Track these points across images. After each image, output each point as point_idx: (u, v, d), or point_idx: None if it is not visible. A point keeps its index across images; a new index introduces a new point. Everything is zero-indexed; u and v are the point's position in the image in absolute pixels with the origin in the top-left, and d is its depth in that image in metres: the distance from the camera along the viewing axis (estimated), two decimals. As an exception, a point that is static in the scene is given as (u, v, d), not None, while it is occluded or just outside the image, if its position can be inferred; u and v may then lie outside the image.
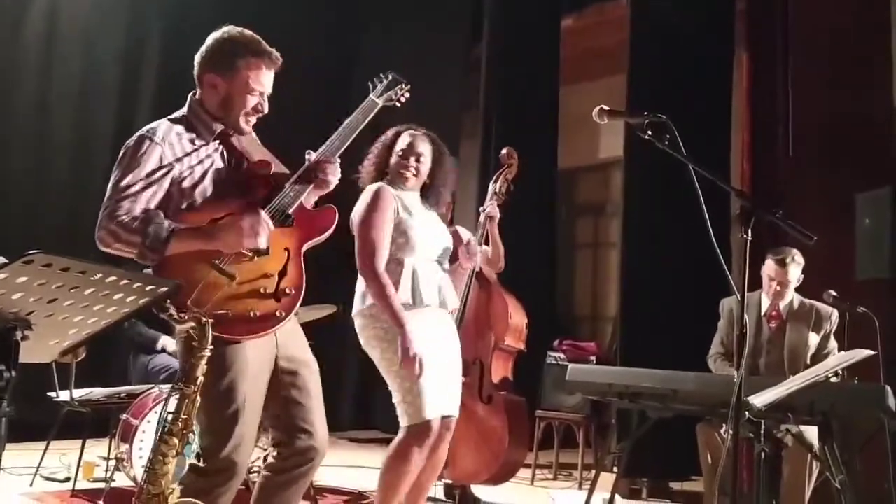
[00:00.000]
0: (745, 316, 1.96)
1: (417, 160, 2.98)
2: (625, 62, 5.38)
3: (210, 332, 1.80)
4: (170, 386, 3.56)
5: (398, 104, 2.57)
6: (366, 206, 2.90)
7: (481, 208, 3.97)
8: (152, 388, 3.71)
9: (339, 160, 2.32)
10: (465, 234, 4.33)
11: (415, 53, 6.56)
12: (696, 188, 2.08)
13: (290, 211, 2.18)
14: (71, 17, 5.80)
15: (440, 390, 2.85)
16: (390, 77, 2.56)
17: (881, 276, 4.15)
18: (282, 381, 2.22)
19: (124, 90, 5.97)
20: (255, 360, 2.13)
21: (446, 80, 6.43)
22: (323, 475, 4.39)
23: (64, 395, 3.87)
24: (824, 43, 4.90)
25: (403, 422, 2.84)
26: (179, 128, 2.20)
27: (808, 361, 3.67)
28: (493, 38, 6.37)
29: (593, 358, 5.17)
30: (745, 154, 5.09)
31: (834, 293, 3.72)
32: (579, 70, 6.60)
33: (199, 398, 1.81)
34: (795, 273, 3.70)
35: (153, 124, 2.19)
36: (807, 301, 3.77)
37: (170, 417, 1.75)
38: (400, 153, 2.99)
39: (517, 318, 3.95)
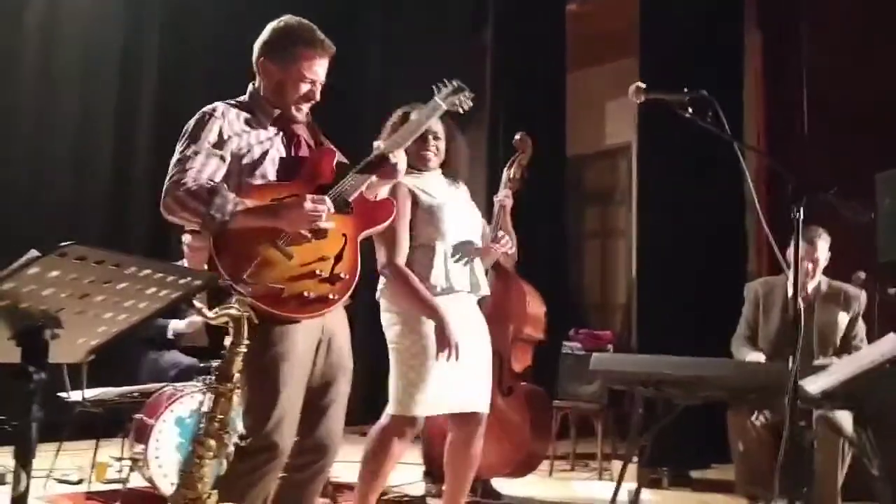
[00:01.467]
0: (797, 300, 1.87)
1: (435, 138, 2.90)
2: (631, 46, 5.31)
3: (246, 326, 1.71)
4: (183, 384, 3.52)
5: (461, 111, 2.60)
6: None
7: (495, 197, 3.89)
8: (165, 386, 3.63)
9: (404, 155, 2.36)
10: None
11: (419, 39, 6.47)
12: (742, 167, 1.97)
13: (350, 199, 2.23)
14: (70, 9, 5.71)
15: (449, 387, 2.74)
16: (455, 84, 2.58)
17: (902, 257, 4.07)
18: (315, 372, 2.21)
19: (124, 84, 5.87)
20: (302, 342, 2.13)
21: (451, 65, 6.32)
22: (340, 472, 4.31)
23: (76, 395, 3.78)
24: (838, 21, 4.82)
25: (391, 408, 2.77)
26: (237, 109, 2.26)
27: (839, 343, 3.61)
28: (498, 23, 6.28)
29: (610, 347, 5.09)
30: (761, 136, 5.02)
31: (863, 275, 3.65)
32: (585, 55, 6.50)
33: (235, 396, 1.73)
34: (824, 249, 3.63)
35: (213, 104, 2.26)
36: (835, 283, 3.71)
37: (205, 418, 1.66)
38: (434, 134, 2.90)
39: (535, 307, 3.87)
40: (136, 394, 3.77)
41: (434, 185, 2.90)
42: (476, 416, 2.86)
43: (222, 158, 2.16)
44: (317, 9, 7.04)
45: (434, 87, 2.55)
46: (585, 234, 7.55)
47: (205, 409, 1.68)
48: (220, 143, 2.16)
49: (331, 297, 2.14)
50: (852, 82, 4.68)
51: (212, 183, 2.10)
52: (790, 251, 3.67)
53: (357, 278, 2.21)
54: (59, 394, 3.81)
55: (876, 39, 4.61)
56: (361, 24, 7.10)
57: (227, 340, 1.72)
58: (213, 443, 1.64)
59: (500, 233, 3.06)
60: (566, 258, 6.52)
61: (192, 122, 2.22)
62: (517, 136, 3.85)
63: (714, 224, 4.96)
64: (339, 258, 2.18)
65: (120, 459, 3.78)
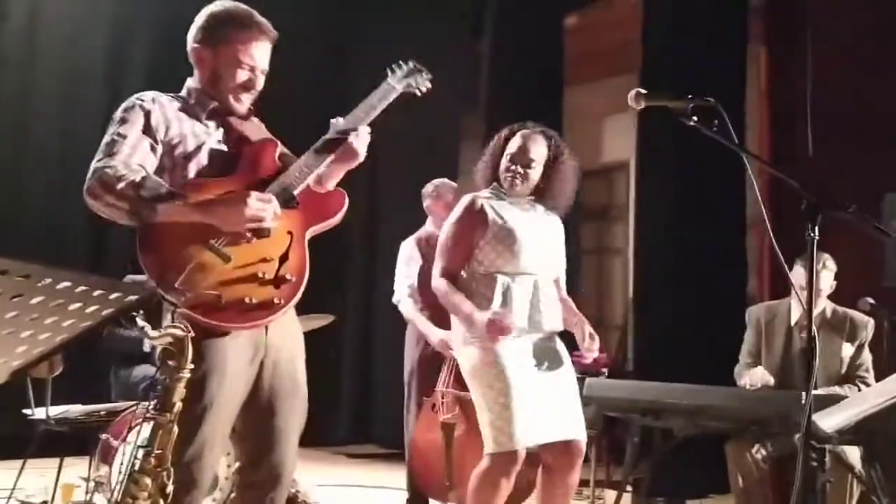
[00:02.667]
0: (811, 326, 1.70)
1: (526, 167, 2.72)
2: (629, 62, 5.22)
3: (190, 348, 1.53)
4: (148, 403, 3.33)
5: (418, 92, 2.39)
6: (453, 215, 2.79)
7: None
8: (135, 405, 3.44)
9: (368, 131, 2.17)
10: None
11: (414, 50, 6.33)
12: (751, 180, 1.80)
13: (296, 192, 2.03)
14: (55, 11, 5.59)
15: (544, 415, 2.60)
16: (411, 65, 2.38)
17: (910, 282, 3.92)
18: (261, 393, 1.99)
19: (110, 85, 5.74)
20: (235, 357, 1.91)
21: (447, 78, 6.21)
22: (319, 495, 4.13)
23: (40, 413, 3.60)
24: (846, 37, 4.69)
25: (489, 447, 2.59)
26: (170, 97, 2.09)
27: (843, 373, 3.43)
28: (495, 36, 6.17)
29: (605, 370, 4.91)
30: (764, 154, 4.87)
31: (871, 301, 3.47)
32: (584, 70, 6.39)
33: (176, 428, 1.54)
34: (828, 279, 3.44)
35: (144, 92, 2.08)
36: (840, 309, 3.52)
37: (141, 452, 1.47)
38: (508, 157, 2.74)
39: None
40: (102, 412, 3.58)
41: (514, 210, 2.75)
42: (573, 445, 2.68)
43: (152, 145, 1.98)
44: (312, 16, 6.99)
45: (388, 69, 2.36)
46: (581, 252, 7.40)
47: (140, 441, 1.48)
48: (148, 129, 1.99)
49: (276, 301, 1.93)
50: (857, 99, 4.55)
51: (142, 168, 1.93)
52: (793, 273, 3.53)
53: (306, 279, 1.99)
54: (23, 410, 3.65)
55: (882, 55, 4.48)
56: (358, 32, 7.02)
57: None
58: (148, 481, 1.44)
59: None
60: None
61: (120, 109, 2.04)
62: None
63: (714, 244, 4.83)
64: (284, 258, 1.97)
65: (87, 480, 3.60)
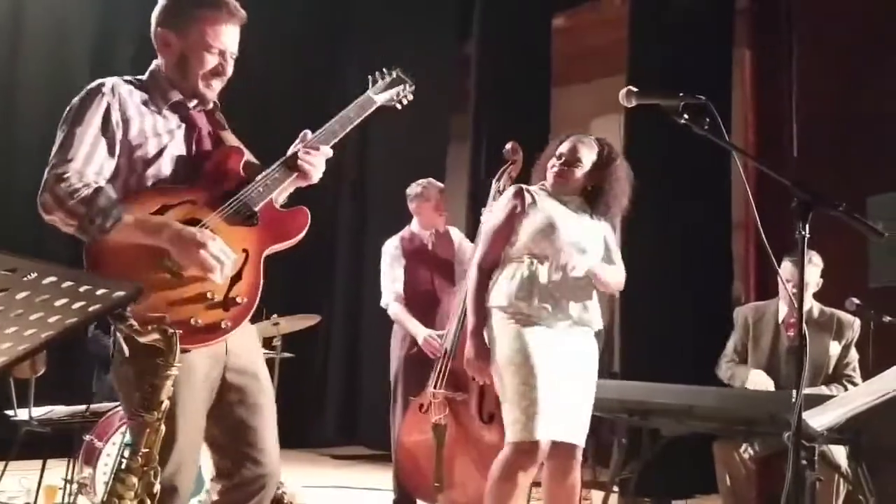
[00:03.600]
0: (802, 325, 1.70)
1: (571, 165, 2.75)
2: (617, 64, 5.21)
3: (178, 344, 1.50)
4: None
5: (399, 105, 2.28)
6: (499, 204, 2.85)
7: (482, 217, 3.71)
8: (118, 406, 3.40)
9: (329, 152, 2.04)
10: (458, 236, 4.10)
11: (403, 50, 6.34)
12: (737, 180, 1.79)
13: (257, 208, 1.91)
14: (37, 18, 5.54)
15: (560, 412, 2.58)
16: (394, 75, 2.26)
17: (895, 283, 3.94)
18: (228, 400, 1.92)
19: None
20: (197, 371, 1.84)
21: (435, 78, 6.21)
22: (305, 497, 4.10)
23: (22, 414, 3.56)
24: (831, 40, 4.72)
25: (511, 436, 2.57)
26: (131, 87, 1.93)
27: (830, 372, 3.45)
28: (482, 37, 6.16)
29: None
30: (751, 154, 4.89)
31: (857, 301, 3.49)
32: (571, 71, 6.39)
33: (163, 427, 1.51)
34: (815, 274, 3.47)
35: (101, 79, 1.92)
36: (827, 309, 3.55)
37: (127, 451, 1.45)
38: (557, 155, 2.79)
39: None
40: (87, 413, 3.54)
41: (556, 205, 2.76)
42: (573, 449, 2.67)
43: (110, 146, 1.84)
44: (300, 19, 6.97)
45: (369, 76, 2.24)
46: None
47: (127, 439, 1.46)
48: (107, 128, 1.85)
49: (223, 325, 1.81)
50: (841, 102, 4.58)
51: (97, 182, 1.80)
52: (781, 270, 3.55)
53: (256, 303, 1.88)
54: (5, 411, 3.60)
55: (866, 58, 4.51)
56: (345, 35, 7.00)
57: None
58: (134, 480, 1.42)
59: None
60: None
61: (76, 100, 1.88)
62: (508, 146, 3.67)
63: (699, 245, 4.84)
64: (236, 279, 1.84)
65: (69, 482, 3.55)
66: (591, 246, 2.78)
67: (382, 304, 3.94)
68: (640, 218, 4.95)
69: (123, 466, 1.44)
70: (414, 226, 4.03)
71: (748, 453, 3.30)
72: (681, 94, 1.88)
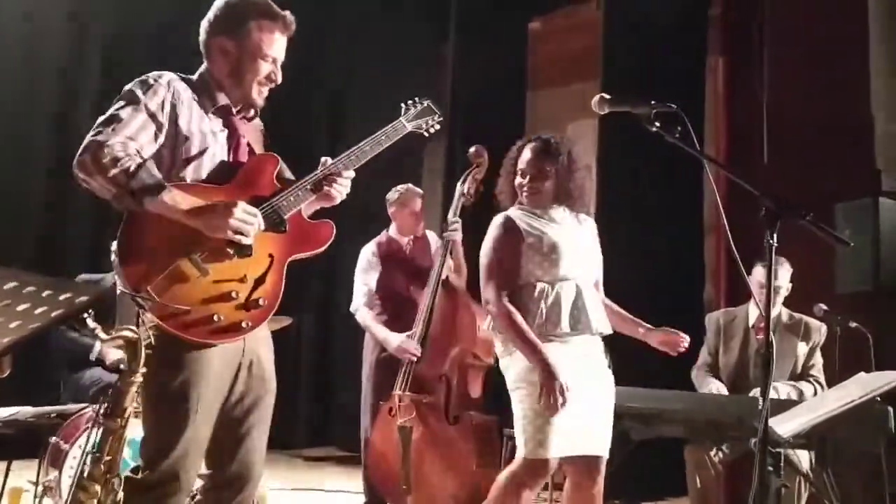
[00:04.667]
0: (769, 331, 1.72)
1: (534, 179, 2.70)
2: (593, 68, 5.25)
3: (143, 353, 1.49)
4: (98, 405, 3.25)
5: (426, 134, 2.42)
6: (490, 238, 2.72)
7: (444, 233, 3.71)
8: (85, 408, 3.36)
9: (352, 175, 2.17)
10: (435, 240, 4.09)
11: (379, 52, 6.34)
12: (709, 187, 1.81)
13: (287, 216, 2.02)
14: (6, 21, 5.46)
15: (576, 427, 2.54)
16: (425, 104, 2.41)
17: (862, 288, 4.01)
18: (233, 395, 1.97)
19: (64, 99, 5.65)
20: (216, 363, 1.89)
21: (411, 80, 6.22)
22: (278, 500, 4.08)
23: (-13, 415, 3.49)
24: (801, 50, 4.79)
25: (522, 452, 2.54)
26: (185, 84, 2.02)
27: (798, 371, 3.52)
28: (459, 40, 6.17)
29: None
30: (721, 162, 4.95)
31: (824, 307, 3.56)
32: (547, 75, 6.42)
33: (126, 434, 1.50)
34: (785, 277, 3.53)
35: (160, 72, 2.00)
36: (795, 314, 3.62)
37: (89, 458, 1.43)
38: (520, 171, 2.73)
39: (486, 329, 3.69)
40: (52, 415, 3.48)
41: (544, 220, 2.72)
42: (598, 461, 2.64)
43: (158, 130, 1.91)
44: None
45: (402, 104, 2.38)
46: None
47: (90, 447, 1.44)
48: (157, 115, 1.92)
49: (244, 325, 1.90)
50: (812, 110, 4.64)
51: (140, 154, 1.86)
52: (751, 278, 3.60)
53: (276, 305, 1.98)
54: (-32, 412, 3.54)
55: (836, 67, 4.58)
56: (323, 35, 6.97)
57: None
58: (97, 488, 1.40)
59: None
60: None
61: (135, 82, 1.96)
62: (472, 149, 3.69)
63: (672, 249, 4.89)
64: (260, 281, 1.94)
65: (36, 485, 3.50)
66: (592, 250, 2.77)
67: (352, 309, 3.91)
68: (612, 223, 5.03)
69: (86, 474, 1.42)
70: (392, 230, 4.01)
71: (717, 456, 3.34)
72: (653, 102, 1.90)
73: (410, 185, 4.05)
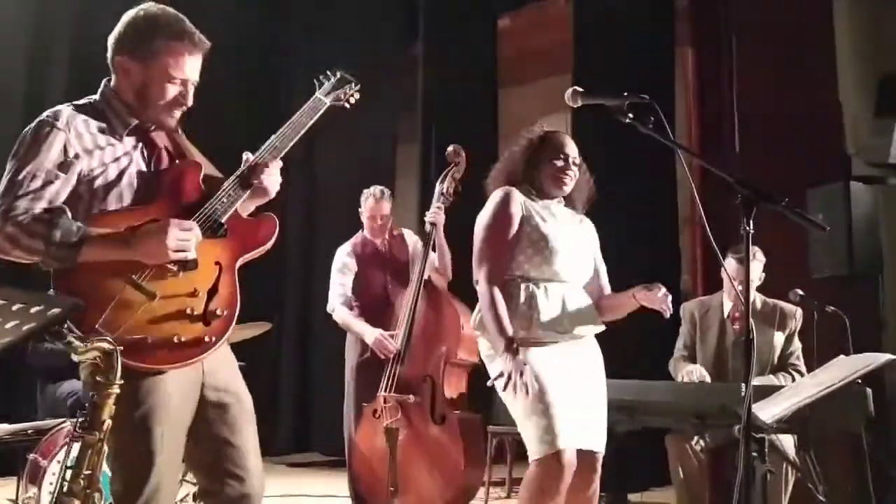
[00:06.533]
0: (749, 320, 1.73)
1: (575, 164, 2.60)
2: (563, 63, 5.27)
3: (119, 362, 1.46)
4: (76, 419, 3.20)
5: (347, 105, 2.30)
6: (488, 211, 2.57)
7: (426, 216, 3.72)
8: (63, 422, 3.31)
9: (280, 164, 2.03)
10: (412, 238, 4.08)
11: (348, 53, 6.30)
12: (681, 178, 1.82)
13: (223, 220, 1.90)
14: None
15: (575, 419, 2.45)
16: (338, 75, 2.29)
17: (836, 273, 4.05)
18: (208, 418, 1.89)
19: (29, 101, 5.53)
20: (176, 391, 1.81)
21: (382, 80, 6.20)
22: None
23: (-38, 434, 3.43)
24: (769, 38, 4.83)
25: (534, 453, 2.44)
26: (86, 116, 1.88)
27: (776, 362, 3.53)
28: (428, 39, 6.16)
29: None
30: (694, 151, 4.98)
31: (801, 292, 3.58)
32: (518, 72, 6.43)
33: (105, 447, 1.46)
34: (758, 269, 3.54)
35: (54, 109, 1.87)
36: (770, 301, 3.63)
37: (69, 473, 1.40)
38: (561, 156, 2.59)
39: (470, 328, 3.68)
40: (29, 431, 3.42)
41: (549, 212, 2.60)
42: (594, 457, 2.54)
43: (65, 181, 1.79)
44: (242, 21, 6.87)
45: (315, 80, 2.27)
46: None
47: (69, 462, 1.40)
48: (63, 164, 1.79)
49: (206, 339, 1.80)
50: (782, 98, 4.68)
51: (49, 212, 1.74)
52: (725, 265, 3.62)
53: (237, 313, 1.86)
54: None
55: (805, 55, 4.62)
56: (288, 36, 6.93)
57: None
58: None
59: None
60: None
61: (27, 133, 1.82)
62: (450, 149, 3.68)
63: (648, 242, 4.91)
64: (213, 292, 1.84)
65: (15, 502, 3.43)
66: (589, 252, 2.68)
67: (328, 309, 3.90)
68: (587, 216, 5.07)
69: (65, 489, 1.39)
70: (366, 231, 4.02)
71: (699, 445, 3.36)
72: (625, 94, 1.90)
73: (378, 187, 4.02)
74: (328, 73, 2.30)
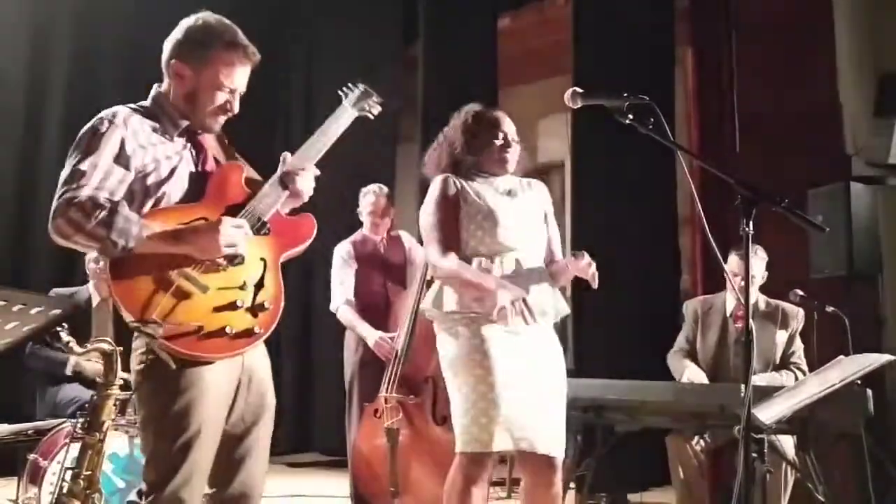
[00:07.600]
0: (749, 319, 1.73)
1: (515, 141, 2.62)
2: (563, 64, 5.27)
3: (119, 364, 1.46)
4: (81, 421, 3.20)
5: (371, 115, 2.39)
6: (427, 200, 2.58)
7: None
8: (63, 423, 3.31)
9: (315, 170, 2.15)
10: (409, 240, 4.09)
11: (348, 52, 6.31)
12: (687, 179, 1.83)
13: (266, 218, 2.03)
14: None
15: (523, 418, 2.34)
16: (362, 88, 2.38)
17: (836, 273, 4.05)
18: (234, 415, 1.96)
19: (28, 113, 5.55)
20: (217, 383, 1.88)
21: (382, 80, 6.20)
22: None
23: (-38, 435, 3.43)
24: (769, 38, 4.83)
25: (461, 446, 2.36)
26: (140, 117, 1.99)
27: (778, 360, 3.54)
28: (428, 39, 6.15)
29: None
30: (693, 152, 4.98)
31: (801, 292, 3.59)
32: (517, 72, 6.43)
33: (104, 449, 1.47)
34: (760, 267, 3.56)
35: (112, 108, 1.97)
36: (772, 301, 3.65)
37: (69, 474, 1.40)
38: (500, 134, 2.60)
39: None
40: (30, 431, 3.43)
41: (491, 189, 2.58)
42: (552, 461, 2.42)
43: (124, 170, 1.90)
44: (241, 17, 6.83)
45: (341, 91, 2.35)
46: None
47: (68, 463, 1.40)
48: (121, 157, 1.90)
49: (256, 330, 1.92)
50: (782, 98, 4.68)
51: (111, 202, 1.84)
52: (728, 263, 3.63)
53: (282, 307, 1.98)
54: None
55: (805, 55, 4.62)
56: (288, 35, 6.92)
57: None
58: (77, 504, 1.38)
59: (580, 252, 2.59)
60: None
61: (86, 129, 1.93)
62: None
63: (648, 242, 4.91)
64: (259, 286, 1.95)
65: (15, 502, 3.44)
66: (538, 220, 2.62)
67: (332, 308, 3.91)
68: (588, 215, 5.08)
69: (65, 490, 1.40)
70: (365, 230, 4.03)
71: (699, 445, 3.36)
72: (625, 95, 1.90)
73: (376, 185, 4.05)
74: (350, 84, 2.38)
